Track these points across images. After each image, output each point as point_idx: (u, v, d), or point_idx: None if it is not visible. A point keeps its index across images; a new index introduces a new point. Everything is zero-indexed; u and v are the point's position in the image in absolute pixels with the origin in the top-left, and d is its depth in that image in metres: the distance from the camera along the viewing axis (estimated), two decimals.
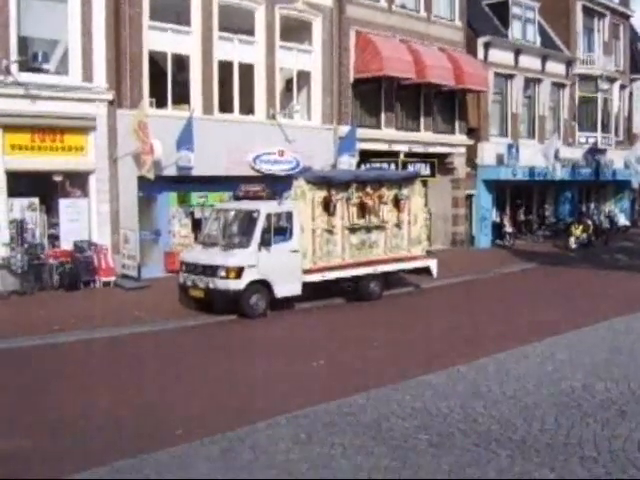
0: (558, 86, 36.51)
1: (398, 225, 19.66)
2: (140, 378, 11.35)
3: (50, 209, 19.65)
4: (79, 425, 8.99)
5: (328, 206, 18.02)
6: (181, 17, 21.87)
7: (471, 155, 31.47)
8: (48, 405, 9.88)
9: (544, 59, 34.92)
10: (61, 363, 12.54)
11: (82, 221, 19.88)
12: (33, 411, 9.60)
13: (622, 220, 40.50)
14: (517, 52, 33.25)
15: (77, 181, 20.02)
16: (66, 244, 19.50)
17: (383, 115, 27.47)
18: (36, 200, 19.16)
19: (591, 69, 37.61)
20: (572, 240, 31.96)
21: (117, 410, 9.59)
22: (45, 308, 16.74)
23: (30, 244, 18.77)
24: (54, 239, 19.66)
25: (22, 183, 18.93)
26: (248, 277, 16.38)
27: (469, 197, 31.97)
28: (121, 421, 9.14)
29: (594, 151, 37.81)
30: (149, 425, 8.97)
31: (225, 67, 22.64)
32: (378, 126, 27.42)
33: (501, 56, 32.50)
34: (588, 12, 38.18)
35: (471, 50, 30.91)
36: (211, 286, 16.39)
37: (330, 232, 18.15)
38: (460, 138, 30.74)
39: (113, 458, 7.67)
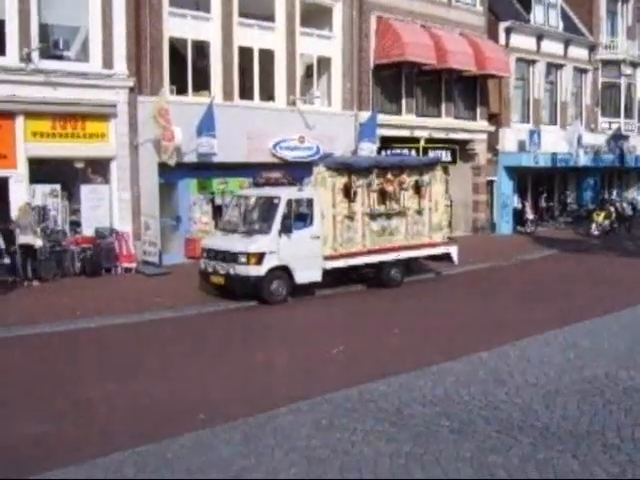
0: (581, 71, 36.12)
1: (419, 211, 19.58)
2: (162, 364, 11.39)
3: (72, 196, 19.80)
4: (102, 410, 9.04)
5: (349, 192, 17.96)
6: (201, 3, 21.88)
7: (492, 141, 31.26)
8: (71, 390, 9.94)
9: (566, 44, 34.55)
10: (83, 349, 12.62)
11: (103, 208, 19.99)
12: (56, 396, 9.66)
13: None
14: (539, 37, 32.92)
15: (98, 168, 20.12)
16: (87, 230, 19.63)
17: (404, 101, 27.33)
18: (58, 187, 19.31)
19: (614, 54, 37.13)
20: (594, 227, 31.76)
21: (139, 395, 9.64)
22: (67, 294, 16.85)
23: (52, 230, 18.92)
24: (76, 225, 19.81)
25: (44, 170, 19.06)
26: (269, 263, 16.39)
27: (490, 183, 31.79)
28: (143, 406, 9.19)
29: (617, 137, 37.43)
30: (171, 410, 9.01)
31: (245, 53, 22.62)
32: (399, 112, 27.29)
33: (523, 41, 32.20)
34: None
35: (492, 35, 30.66)
36: (232, 272, 16.41)
37: (351, 218, 18.09)
38: (481, 124, 30.54)
39: (135, 442, 7.73)
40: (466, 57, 27.53)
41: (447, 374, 10.32)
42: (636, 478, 6.81)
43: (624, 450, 7.40)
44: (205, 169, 21.85)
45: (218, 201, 22.54)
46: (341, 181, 17.92)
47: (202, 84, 21.97)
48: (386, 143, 26.08)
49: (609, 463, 7.09)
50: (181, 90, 21.45)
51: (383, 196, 18.75)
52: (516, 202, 33.46)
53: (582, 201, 37.18)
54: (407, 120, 27.28)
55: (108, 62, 19.52)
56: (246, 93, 22.77)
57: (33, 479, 6.93)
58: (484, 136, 30.68)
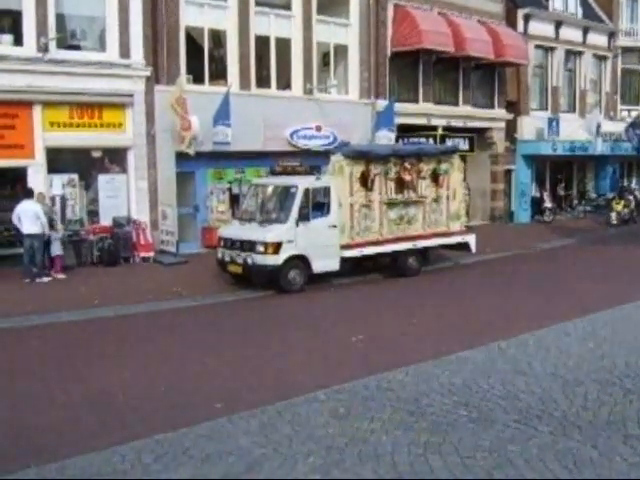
0: (600, 59, 35.83)
1: (437, 200, 19.48)
2: (179, 352, 11.41)
3: (89, 185, 19.87)
4: (119, 398, 9.07)
5: (366, 181, 17.90)
6: None
7: (510, 129, 31.08)
8: (88, 379, 9.98)
9: (586, 31, 34.24)
10: (101, 338, 12.66)
11: (121, 197, 20.05)
12: (74, 384, 9.70)
13: None
14: (558, 24, 32.62)
15: (115, 157, 20.16)
16: (105, 220, 19.69)
17: (421, 89, 27.19)
18: (75, 176, 19.37)
19: (634, 41, 36.80)
20: (613, 216, 31.47)
21: (157, 383, 9.66)
22: (85, 283, 16.92)
23: (70, 220, 18.99)
24: (93, 215, 19.89)
25: (61, 159, 19.18)
26: (286, 252, 16.38)
27: (508, 172, 31.61)
28: (161, 394, 9.21)
29: (636, 125, 37.02)
30: (189, 398, 9.02)
31: (262, 42, 22.57)
32: (416, 100, 27.17)
33: (541, 28, 31.92)
34: None
35: (511, 22, 30.44)
36: (249, 261, 16.41)
37: (368, 207, 18.03)
38: (499, 112, 30.34)
39: (153, 431, 7.74)
40: (484, 45, 27.33)
41: (465, 363, 10.26)
42: None
43: None
44: (222, 158, 21.83)
45: (235, 190, 22.55)
46: (358, 170, 17.85)
47: (219, 73, 21.97)
48: (403, 131, 25.96)
49: (630, 453, 7.01)
50: (198, 79, 21.44)
51: (401, 185, 18.67)
52: (534, 191, 33.24)
53: (601, 190, 36.88)
54: (424, 108, 27.15)
55: (125, 51, 19.52)
56: (263, 82, 22.73)
57: (51, 472, 6.97)
58: (502, 124, 30.48)
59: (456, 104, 28.62)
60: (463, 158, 23.46)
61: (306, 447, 7.26)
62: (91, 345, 12.12)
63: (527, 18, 31.16)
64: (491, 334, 12.01)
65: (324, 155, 20.24)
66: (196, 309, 15.23)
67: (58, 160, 18.96)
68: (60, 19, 18.71)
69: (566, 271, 20.07)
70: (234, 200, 22.30)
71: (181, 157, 20.40)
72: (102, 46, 19.52)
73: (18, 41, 18.11)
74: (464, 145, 28.10)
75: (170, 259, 19.60)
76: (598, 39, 35.19)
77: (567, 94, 34.54)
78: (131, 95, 19.66)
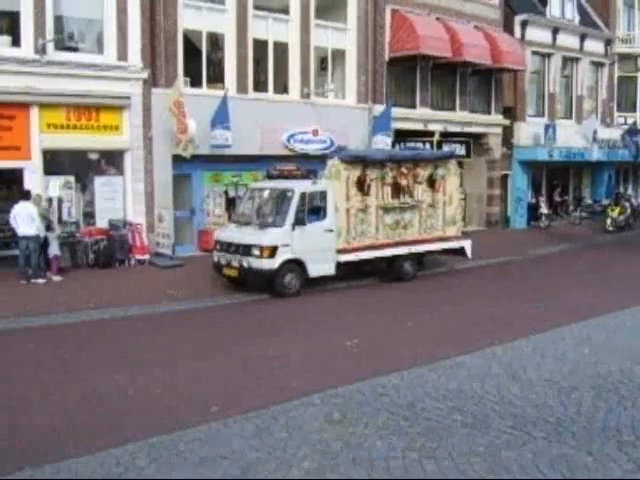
0: (597, 65, 35.90)
1: (433, 205, 19.50)
2: (174, 356, 11.39)
3: (86, 187, 19.85)
4: (114, 401, 9.05)
5: (362, 185, 17.91)
6: None
7: (507, 135, 31.12)
8: (83, 382, 9.96)
9: (583, 38, 34.31)
10: (96, 340, 12.63)
11: (117, 199, 20.03)
12: (68, 387, 9.68)
13: None
14: (555, 30, 32.69)
15: (112, 159, 20.16)
16: (101, 222, 19.66)
17: (418, 94, 27.22)
18: (72, 178, 19.34)
19: (631, 48, 36.90)
20: (609, 222, 31.57)
21: (152, 386, 9.64)
22: (81, 285, 16.90)
23: (66, 222, 18.97)
24: (89, 217, 19.86)
25: (58, 161, 19.16)
26: (282, 256, 16.38)
27: (504, 178, 31.64)
28: (156, 397, 9.19)
29: (632, 132, 37.11)
30: (184, 402, 9.01)
31: (260, 46, 22.58)
32: (413, 105, 27.18)
33: (539, 35, 31.99)
34: None
35: (508, 28, 30.49)
36: (245, 265, 16.40)
37: (364, 212, 18.04)
38: (496, 118, 30.38)
39: (148, 434, 7.73)
40: (481, 50, 27.38)
41: (461, 368, 10.28)
42: None
43: (639, 447, 7.34)
44: (219, 161, 21.84)
45: (231, 193, 22.55)
46: (355, 174, 17.86)
47: (216, 76, 21.98)
48: (400, 136, 25.99)
49: (624, 460, 7.03)
50: (195, 82, 21.46)
51: (397, 189, 18.69)
52: (530, 196, 33.30)
53: (597, 196, 36.95)
54: (421, 113, 27.17)
55: (122, 54, 19.52)
56: (260, 86, 22.75)
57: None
58: (499, 130, 30.53)
59: (453, 109, 28.65)
60: (460, 163, 23.52)
61: (301, 451, 7.27)
62: (86, 347, 12.10)
63: (524, 24, 31.22)
64: (486, 339, 12.03)
65: (321, 159, 20.25)
66: (191, 312, 15.21)
67: (55, 162, 18.96)
68: (58, 21, 18.72)
69: (562, 277, 20.09)
70: (230, 203, 22.30)
71: (178, 160, 20.39)
72: (100, 48, 19.54)
73: (16, 42, 18.09)
74: (461, 150, 28.18)
75: (166, 262, 19.59)
76: (595, 46, 35.28)
77: (564, 100, 34.61)
78: (128, 97, 19.65)
